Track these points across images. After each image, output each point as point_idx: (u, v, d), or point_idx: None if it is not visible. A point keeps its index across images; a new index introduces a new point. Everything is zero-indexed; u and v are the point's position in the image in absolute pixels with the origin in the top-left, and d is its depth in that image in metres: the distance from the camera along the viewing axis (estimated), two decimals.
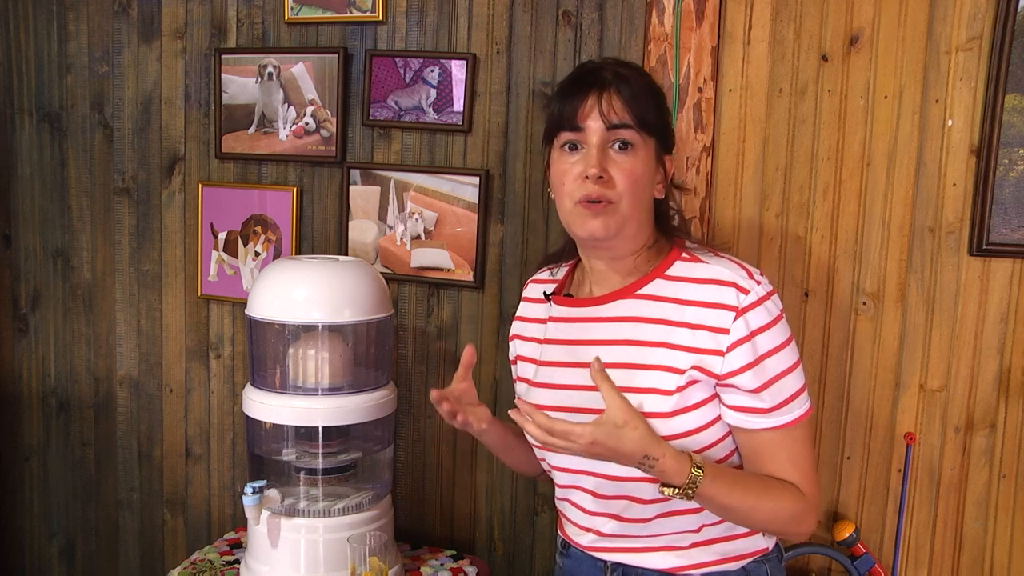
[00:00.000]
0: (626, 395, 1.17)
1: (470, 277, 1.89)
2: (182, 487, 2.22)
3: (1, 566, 2.39)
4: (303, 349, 1.67)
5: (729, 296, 1.15)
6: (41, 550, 2.37)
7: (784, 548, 1.42)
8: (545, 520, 1.91)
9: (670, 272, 1.20)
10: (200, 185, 2.09)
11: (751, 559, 1.25)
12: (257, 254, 2.06)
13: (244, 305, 1.87)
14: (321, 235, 2.02)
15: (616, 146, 1.17)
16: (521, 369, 1.36)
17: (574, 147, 1.19)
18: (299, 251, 2.04)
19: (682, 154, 1.69)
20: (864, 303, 1.67)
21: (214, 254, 2.10)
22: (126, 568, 2.30)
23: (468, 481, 1.97)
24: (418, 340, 1.97)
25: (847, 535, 1.66)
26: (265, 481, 1.64)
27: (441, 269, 1.92)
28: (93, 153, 2.18)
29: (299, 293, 1.63)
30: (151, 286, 2.18)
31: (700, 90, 1.68)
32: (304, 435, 1.68)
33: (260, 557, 1.66)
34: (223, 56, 2.02)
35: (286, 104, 1.99)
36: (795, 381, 1.17)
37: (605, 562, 1.27)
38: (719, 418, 1.18)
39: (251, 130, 2.03)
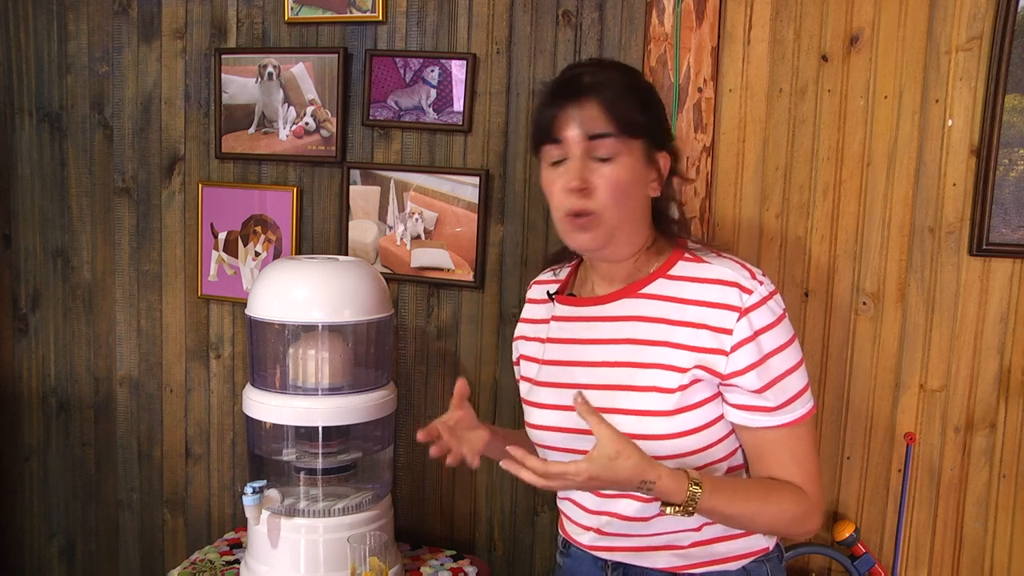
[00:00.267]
0: (628, 393, 1.17)
1: (470, 277, 1.89)
2: (182, 487, 2.22)
3: (1, 566, 2.39)
4: (303, 349, 1.67)
5: (732, 296, 1.15)
6: (41, 550, 2.37)
7: (784, 548, 1.42)
8: (545, 520, 1.91)
9: (673, 272, 1.20)
10: (200, 185, 2.09)
11: (751, 559, 1.25)
12: (257, 254, 2.06)
13: (244, 305, 1.87)
14: (321, 235, 2.02)
15: (598, 155, 1.15)
16: (524, 369, 1.36)
17: (557, 160, 1.18)
18: (299, 251, 2.04)
19: (682, 154, 1.69)
20: (864, 303, 1.67)
21: (214, 254, 2.10)
22: (126, 568, 2.30)
23: (468, 481, 1.97)
24: (418, 340, 1.97)
25: (847, 535, 1.66)
26: (265, 481, 1.64)
27: (441, 269, 1.92)
28: (93, 153, 2.18)
29: (299, 293, 1.63)
30: (151, 286, 2.18)
31: (700, 90, 1.68)
32: (304, 435, 1.68)
33: (260, 557, 1.66)
34: (223, 56, 2.02)
35: (286, 104, 1.99)
36: (798, 380, 1.17)
37: (606, 561, 1.27)
38: (721, 417, 1.18)
39: (251, 130, 2.03)
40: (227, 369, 2.14)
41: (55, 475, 2.32)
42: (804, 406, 1.17)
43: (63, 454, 2.31)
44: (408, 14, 1.89)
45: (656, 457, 1.14)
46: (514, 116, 1.83)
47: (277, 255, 2.04)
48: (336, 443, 1.68)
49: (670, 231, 1.25)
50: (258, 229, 2.06)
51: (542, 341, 1.31)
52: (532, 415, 1.29)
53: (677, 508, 1.09)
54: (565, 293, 1.32)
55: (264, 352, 1.71)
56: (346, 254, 1.97)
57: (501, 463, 1.08)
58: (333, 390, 1.66)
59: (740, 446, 1.22)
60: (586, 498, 1.26)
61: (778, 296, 1.19)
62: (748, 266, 1.19)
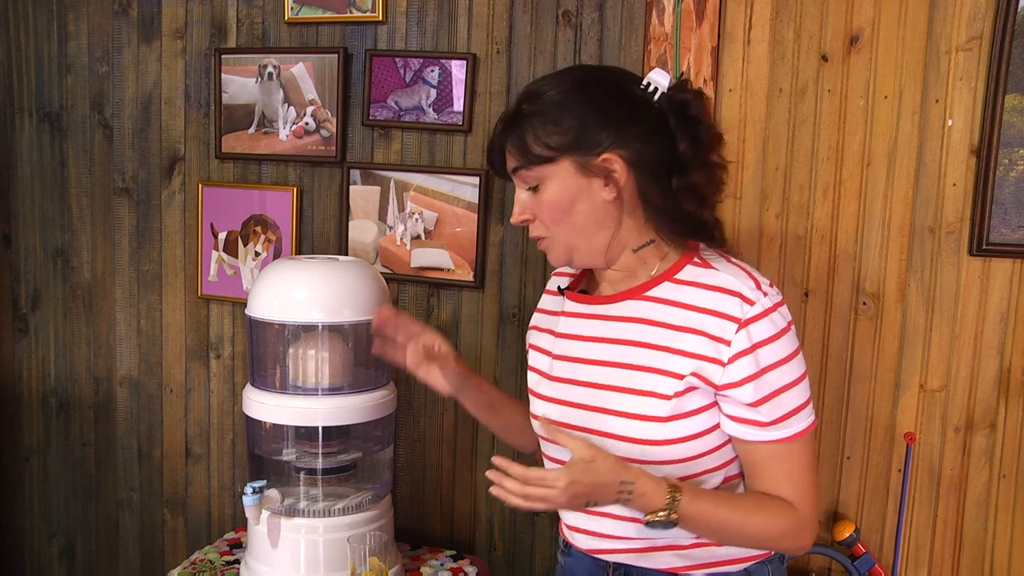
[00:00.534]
0: (624, 396, 1.17)
1: (470, 277, 1.89)
2: (182, 487, 2.22)
3: (1, 566, 2.39)
4: (303, 349, 1.67)
5: (733, 306, 1.13)
6: (41, 550, 2.37)
7: None
8: (545, 520, 1.91)
9: (680, 276, 1.19)
10: (200, 185, 2.09)
11: (753, 561, 1.24)
12: (257, 254, 2.06)
13: (244, 305, 1.87)
14: (321, 235, 2.02)
15: (528, 185, 1.19)
16: (532, 359, 1.36)
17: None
18: (299, 251, 2.04)
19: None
20: (864, 303, 1.67)
21: (214, 254, 2.10)
22: (126, 568, 2.30)
23: (468, 481, 1.97)
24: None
25: (847, 535, 1.66)
26: (265, 481, 1.64)
27: (441, 269, 1.92)
28: (93, 153, 2.18)
29: (299, 293, 1.63)
30: (151, 286, 2.18)
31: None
32: (304, 435, 1.68)
33: (260, 557, 1.66)
34: (223, 56, 2.02)
35: (286, 104, 1.99)
36: (796, 396, 1.15)
37: (607, 562, 1.26)
38: (717, 426, 1.17)
39: (251, 130, 2.03)
40: (227, 369, 2.14)
41: (55, 475, 2.32)
42: (801, 422, 1.15)
43: (63, 454, 2.31)
44: (408, 14, 1.89)
45: (648, 462, 1.14)
46: None
47: (277, 255, 2.04)
48: (336, 443, 1.68)
49: (668, 228, 1.20)
50: (258, 229, 2.06)
51: (553, 334, 1.31)
52: (536, 406, 1.29)
53: (659, 514, 1.08)
54: (578, 289, 1.32)
55: (264, 352, 1.71)
56: (346, 254, 1.97)
57: (487, 472, 1.08)
58: (333, 390, 1.66)
59: (735, 458, 1.22)
60: None
61: (783, 308, 1.16)
62: (755, 275, 1.17)
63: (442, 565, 1.85)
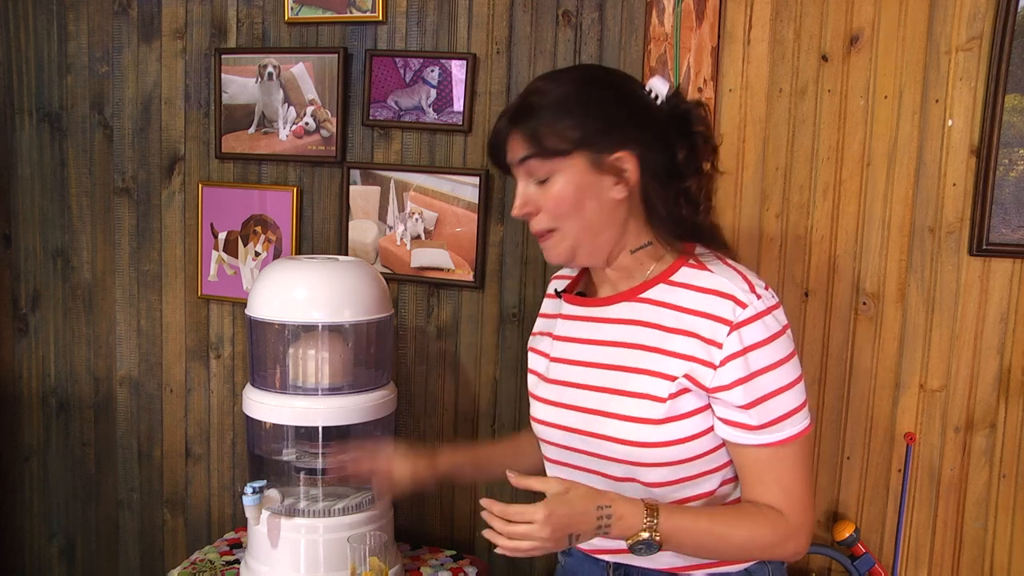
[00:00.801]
0: (619, 398, 1.17)
1: (470, 277, 1.89)
2: (182, 487, 2.22)
3: (1, 566, 2.39)
4: (303, 349, 1.67)
5: (725, 309, 1.12)
6: (41, 550, 2.37)
7: None
8: None
9: (675, 277, 1.19)
10: (200, 185, 2.09)
11: (754, 561, 1.24)
12: (257, 254, 2.06)
13: (244, 305, 1.87)
14: (321, 235, 2.02)
15: (536, 177, 1.17)
16: (531, 361, 1.36)
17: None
18: (299, 251, 2.04)
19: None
20: (864, 303, 1.67)
21: (214, 254, 2.10)
22: (126, 568, 2.30)
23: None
24: (418, 340, 1.97)
25: (847, 535, 1.66)
26: (265, 481, 1.64)
27: (441, 269, 1.92)
28: (93, 153, 2.18)
29: (299, 293, 1.63)
30: (151, 286, 2.18)
31: (700, 90, 1.68)
32: (304, 435, 1.68)
33: (260, 557, 1.66)
34: (223, 56, 2.02)
35: (286, 104, 1.99)
36: (789, 400, 1.14)
37: (607, 562, 1.26)
38: (712, 428, 1.17)
39: (251, 130, 2.03)
40: (227, 369, 2.14)
41: (55, 475, 2.32)
42: (794, 426, 1.14)
43: (63, 454, 2.31)
44: (408, 14, 1.89)
45: (644, 465, 1.15)
46: None
47: (277, 255, 2.04)
48: (336, 443, 1.68)
49: (667, 230, 1.21)
50: (258, 229, 2.06)
51: (553, 337, 1.32)
52: (536, 409, 1.29)
53: (642, 535, 1.08)
54: (575, 292, 1.32)
55: (264, 352, 1.71)
56: (346, 254, 1.97)
57: (482, 514, 1.11)
58: (333, 390, 1.66)
59: (730, 462, 1.21)
60: None
61: (778, 312, 1.15)
62: (749, 277, 1.16)
63: (442, 565, 1.85)
